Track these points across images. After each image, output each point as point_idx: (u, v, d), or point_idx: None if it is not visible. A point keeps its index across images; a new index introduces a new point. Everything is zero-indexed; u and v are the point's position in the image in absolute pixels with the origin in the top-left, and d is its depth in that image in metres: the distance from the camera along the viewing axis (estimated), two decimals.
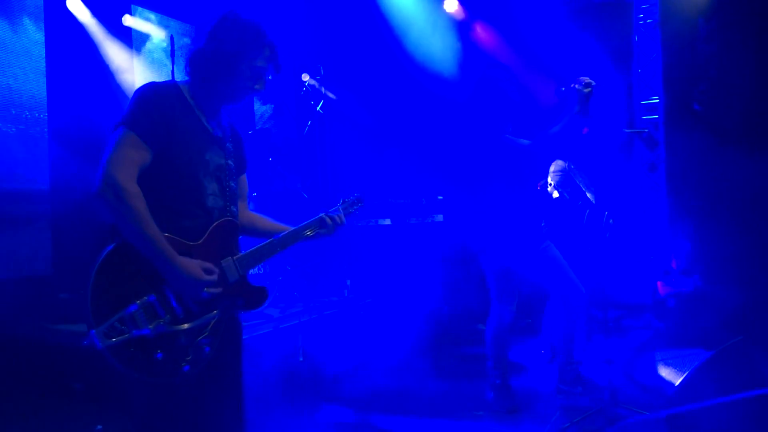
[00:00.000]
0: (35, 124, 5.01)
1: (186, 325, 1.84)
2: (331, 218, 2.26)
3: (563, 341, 3.69)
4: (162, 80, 2.00)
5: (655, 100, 6.62)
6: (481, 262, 3.65)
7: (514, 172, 3.48)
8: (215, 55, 1.95)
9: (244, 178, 2.26)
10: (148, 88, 1.91)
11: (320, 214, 2.26)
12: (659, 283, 5.61)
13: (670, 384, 3.55)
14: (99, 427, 3.47)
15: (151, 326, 1.78)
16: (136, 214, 1.76)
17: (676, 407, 3.23)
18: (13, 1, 4.88)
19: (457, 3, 6.68)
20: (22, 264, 4.84)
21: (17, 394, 4.06)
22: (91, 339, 1.70)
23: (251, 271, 2.10)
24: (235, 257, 1.99)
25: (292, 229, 2.19)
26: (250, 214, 2.28)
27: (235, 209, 2.07)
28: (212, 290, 1.88)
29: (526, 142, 3.40)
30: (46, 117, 5.07)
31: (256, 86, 2.03)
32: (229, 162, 2.07)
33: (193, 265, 1.84)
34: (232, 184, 2.06)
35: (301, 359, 4.86)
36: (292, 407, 3.84)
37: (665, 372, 3.71)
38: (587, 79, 3.29)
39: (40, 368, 4.22)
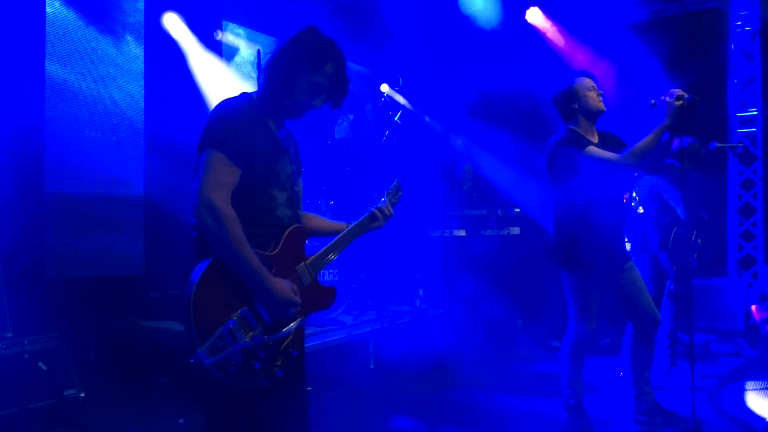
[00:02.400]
0: (133, 133, 5.38)
1: (275, 333, 1.91)
2: (380, 211, 2.30)
3: (638, 370, 3.52)
4: (235, 95, 2.03)
5: (753, 112, 6.22)
6: (562, 276, 3.54)
7: (599, 185, 3.36)
8: (276, 69, 1.97)
9: (299, 180, 2.29)
10: (228, 107, 1.93)
11: (370, 209, 2.30)
12: (754, 308, 5.26)
13: (762, 419, 3.32)
14: (181, 420, 3.66)
15: (247, 338, 1.84)
16: (234, 237, 1.81)
17: None
18: (117, 19, 5.28)
19: (540, 13, 6.58)
20: (117, 263, 5.20)
21: (109, 385, 4.35)
22: (198, 357, 1.76)
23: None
24: (307, 262, 2.05)
25: (348, 229, 2.24)
26: (304, 215, 2.30)
27: (300, 213, 2.11)
28: (297, 310, 1.96)
29: (613, 155, 3.26)
30: (143, 127, 5.43)
31: (314, 102, 2.01)
32: (293, 167, 2.10)
33: (285, 287, 1.91)
34: (296, 189, 2.10)
35: (372, 367, 4.92)
36: (361, 415, 3.89)
37: (757, 404, 3.47)
38: (679, 92, 3.15)
39: (130, 361, 4.50)
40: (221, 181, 1.84)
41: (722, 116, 6.35)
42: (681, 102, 3.13)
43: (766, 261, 6.00)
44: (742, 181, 6.44)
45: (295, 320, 1.98)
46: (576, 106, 3.44)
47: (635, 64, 5.86)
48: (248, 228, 1.89)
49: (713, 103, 6.23)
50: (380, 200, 2.37)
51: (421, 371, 4.91)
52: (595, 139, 3.48)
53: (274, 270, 1.93)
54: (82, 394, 3.65)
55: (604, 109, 3.44)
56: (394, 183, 2.46)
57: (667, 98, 3.16)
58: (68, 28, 4.90)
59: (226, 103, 1.95)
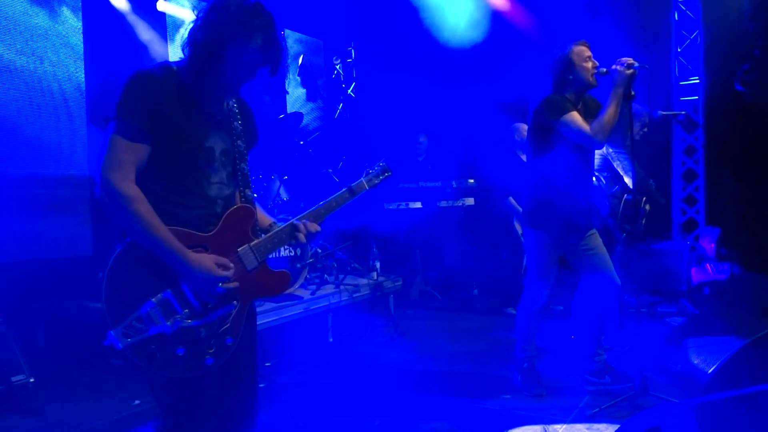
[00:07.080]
0: (75, 110, 5.15)
1: (205, 320, 1.80)
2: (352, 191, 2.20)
3: (592, 332, 3.64)
4: (152, 66, 1.85)
5: (695, 80, 6.42)
6: (527, 235, 3.59)
7: (575, 151, 3.37)
8: (200, 45, 1.78)
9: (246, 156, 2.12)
10: (139, 77, 1.77)
11: (342, 189, 2.21)
12: (693, 270, 5.50)
13: (703, 372, 3.49)
14: (137, 401, 3.61)
15: (168, 322, 1.74)
16: (139, 218, 1.72)
17: (708, 396, 3.19)
18: None
19: None
20: (64, 245, 5.01)
21: (59, 369, 4.24)
22: (111, 340, 1.70)
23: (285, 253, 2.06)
24: (252, 244, 1.91)
25: (313, 208, 2.10)
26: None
27: (249, 193, 1.98)
28: (228, 286, 1.82)
29: (588, 129, 3.23)
30: (85, 104, 5.21)
31: (247, 77, 1.85)
32: (239, 143, 1.96)
33: (207, 260, 1.78)
34: (244, 167, 1.97)
35: (330, 340, 4.95)
36: (321, 388, 3.91)
37: (698, 360, 3.65)
38: (630, 60, 3.18)
39: (81, 344, 4.39)
40: (121, 160, 1.74)
41: (666, 84, 6.52)
42: (632, 71, 3.18)
43: (707, 225, 6.26)
44: (685, 147, 6.66)
45: (230, 305, 1.85)
46: (571, 77, 3.36)
47: (579, 32, 5.92)
48: (179, 209, 1.82)
49: (658, 72, 6.38)
50: (357, 179, 2.27)
51: (379, 343, 4.97)
52: (579, 107, 3.44)
53: (209, 251, 1.82)
54: (31, 380, 3.55)
55: (596, 84, 3.35)
56: (380, 165, 2.36)
57: (618, 67, 3.19)
58: None
59: (137, 74, 1.78)
